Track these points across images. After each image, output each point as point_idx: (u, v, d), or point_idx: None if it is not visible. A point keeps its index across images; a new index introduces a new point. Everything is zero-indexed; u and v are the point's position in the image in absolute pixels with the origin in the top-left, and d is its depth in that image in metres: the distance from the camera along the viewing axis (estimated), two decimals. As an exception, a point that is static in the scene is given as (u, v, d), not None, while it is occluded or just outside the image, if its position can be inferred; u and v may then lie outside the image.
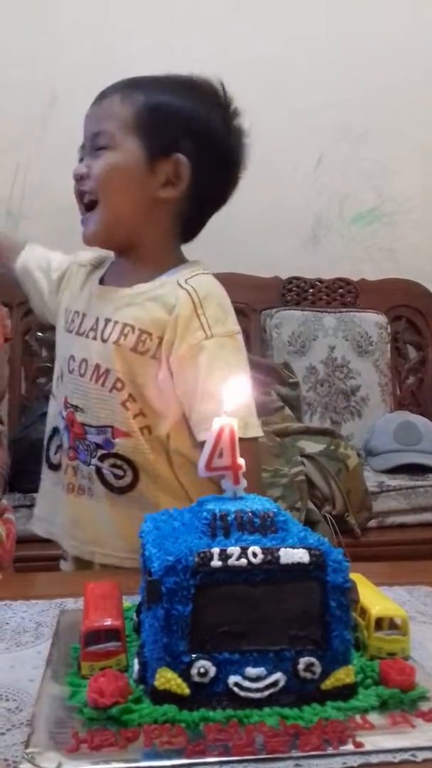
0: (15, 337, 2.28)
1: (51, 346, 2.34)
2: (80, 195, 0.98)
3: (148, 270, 0.98)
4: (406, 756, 0.50)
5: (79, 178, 0.97)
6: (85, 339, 0.97)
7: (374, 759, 0.50)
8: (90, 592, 0.67)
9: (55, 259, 1.11)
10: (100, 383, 0.94)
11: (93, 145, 0.96)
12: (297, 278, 2.52)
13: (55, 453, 1.00)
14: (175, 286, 0.94)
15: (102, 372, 0.94)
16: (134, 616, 0.67)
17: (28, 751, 0.50)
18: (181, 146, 0.95)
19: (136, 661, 0.58)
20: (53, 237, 2.38)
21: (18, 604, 0.79)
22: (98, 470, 0.94)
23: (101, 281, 1.02)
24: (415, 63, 2.56)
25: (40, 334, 2.36)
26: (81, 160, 0.99)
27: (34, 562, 1.57)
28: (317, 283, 2.54)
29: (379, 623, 0.63)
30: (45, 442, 1.03)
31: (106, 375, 0.94)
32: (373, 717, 0.54)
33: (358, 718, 0.54)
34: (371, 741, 0.51)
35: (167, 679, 0.54)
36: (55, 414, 1.01)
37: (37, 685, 0.59)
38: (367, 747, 0.51)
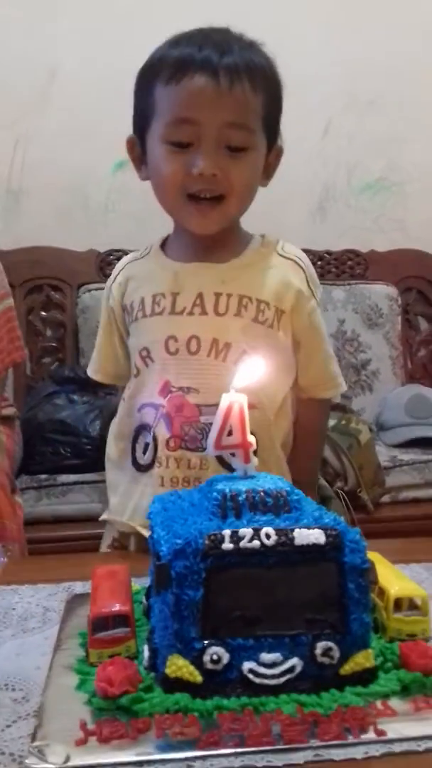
0: (18, 317, 2.25)
1: (55, 325, 2.33)
2: (199, 189, 0.88)
3: (232, 242, 0.95)
4: (431, 744, 0.48)
5: (211, 176, 0.87)
6: (188, 317, 0.92)
7: (397, 748, 0.48)
8: (98, 576, 0.65)
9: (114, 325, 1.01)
10: (220, 358, 0.90)
11: (226, 140, 0.87)
12: (305, 250, 2.41)
13: (144, 453, 0.94)
14: (277, 257, 0.96)
15: (222, 346, 0.90)
16: (144, 600, 0.64)
17: (34, 744, 0.48)
18: (278, 133, 0.94)
19: (146, 647, 0.56)
20: (54, 214, 2.37)
21: (25, 588, 0.77)
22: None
23: (172, 259, 0.96)
24: (424, 30, 2.48)
25: (43, 313, 2.33)
26: (182, 144, 0.87)
27: (43, 543, 1.56)
28: (326, 255, 2.49)
29: (398, 604, 0.61)
30: (130, 445, 0.96)
31: (227, 349, 0.90)
32: (395, 702, 0.52)
33: (379, 704, 0.52)
34: (394, 728, 0.49)
35: (179, 666, 0.52)
36: (132, 412, 0.95)
37: (44, 674, 0.57)
38: (390, 735, 0.48)
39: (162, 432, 0.91)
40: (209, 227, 0.91)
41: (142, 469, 0.95)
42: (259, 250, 0.97)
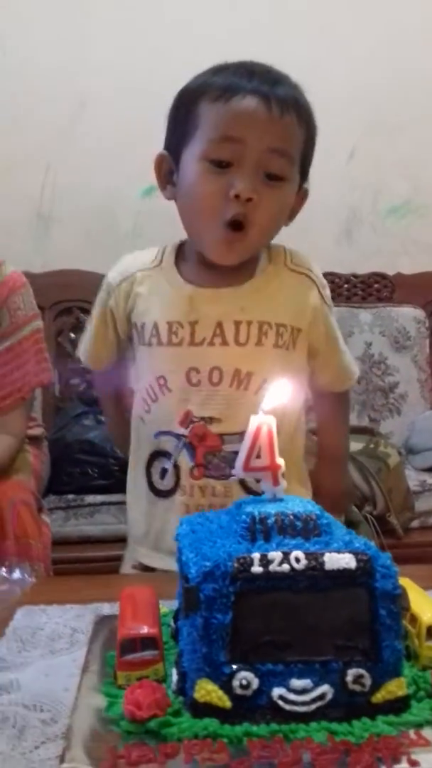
0: (48, 339, 2.28)
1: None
2: (236, 213, 0.86)
3: (246, 263, 0.94)
4: (465, 776, 0.47)
5: (246, 200, 0.85)
6: (209, 347, 0.91)
7: (431, 779, 0.46)
8: (126, 598, 0.65)
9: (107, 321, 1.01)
10: (242, 388, 0.90)
11: (266, 166, 0.86)
12: (331, 274, 2.46)
13: (162, 478, 0.94)
14: (289, 273, 0.96)
15: (244, 376, 0.90)
16: (171, 623, 0.64)
17: (63, 766, 0.47)
18: (308, 175, 0.94)
19: (174, 671, 0.56)
20: (83, 239, 2.41)
21: (53, 608, 0.77)
22: (242, 480, 0.89)
23: (186, 280, 0.95)
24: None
25: (72, 335, 2.35)
26: (222, 163, 0.85)
27: (70, 564, 1.57)
28: (352, 278, 2.49)
29: (431, 631, 0.59)
30: (143, 469, 0.96)
31: (249, 378, 0.90)
32: (428, 732, 0.51)
33: (411, 733, 0.50)
34: (427, 759, 0.48)
35: (208, 691, 0.51)
36: (148, 438, 0.95)
37: (72, 695, 0.57)
38: (424, 765, 0.47)
39: (185, 461, 0.91)
40: (231, 259, 0.90)
41: (161, 494, 0.94)
42: (269, 267, 0.96)
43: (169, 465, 0.93)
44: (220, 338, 0.91)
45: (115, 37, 2.37)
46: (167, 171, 0.94)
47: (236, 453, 0.88)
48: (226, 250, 0.89)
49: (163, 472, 0.93)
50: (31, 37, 2.36)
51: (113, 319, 0.99)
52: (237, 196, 0.85)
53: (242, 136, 0.85)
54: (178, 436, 0.91)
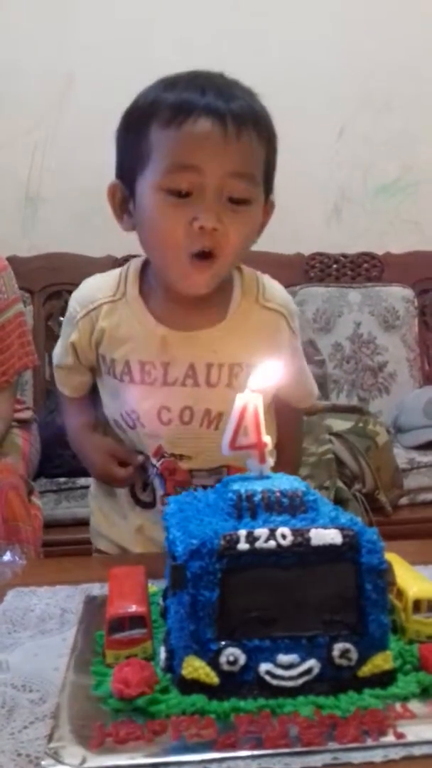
0: (38, 323, 2.27)
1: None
2: (202, 246, 0.81)
3: (218, 297, 0.90)
4: (451, 747, 0.47)
5: (212, 230, 0.80)
6: (181, 387, 0.89)
7: (417, 751, 0.47)
8: (115, 578, 0.65)
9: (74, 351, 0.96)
10: (212, 427, 0.90)
11: (229, 191, 0.81)
12: (320, 254, 2.46)
13: (144, 490, 0.95)
14: (261, 311, 0.92)
15: (214, 416, 0.89)
16: (160, 601, 0.64)
17: (51, 745, 0.48)
18: (272, 188, 0.89)
19: (162, 648, 0.56)
20: (71, 220, 2.39)
21: (43, 590, 0.77)
22: None
23: (156, 318, 0.90)
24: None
25: (62, 318, 2.34)
26: (180, 193, 0.80)
27: (63, 546, 1.57)
28: (341, 258, 2.48)
29: (417, 605, 0.60)
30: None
31: (219, 418, 0.89)
32: (414, 705, 0.51)
33: (398, 706, 0.51)
34: (413, 731, 0.48)
35: (195, 667, 0.51)
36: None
37: (61, 675, 0.57)
38: (409, 738, 0.48)
39: (157, 486, 0.93)
40: (200, 289, 0.85)
41: (145, 506, 0.96)
42: (242, 304, 0.92)
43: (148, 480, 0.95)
44: (192, 380, 0.90)
45: (103, 15, 2.33)
46: (121, 200, 0.89)
47: (205, 487, 0.86)
48: (194, 281, 0.84)
49: (145, 485, 0.95)
50: (18, 15, 2.32)
51: (77, 352, 0.96)
52: (202, 228, 0.80)
53: (199, 163, 0.79)
54: (151, 465, 0.93)
